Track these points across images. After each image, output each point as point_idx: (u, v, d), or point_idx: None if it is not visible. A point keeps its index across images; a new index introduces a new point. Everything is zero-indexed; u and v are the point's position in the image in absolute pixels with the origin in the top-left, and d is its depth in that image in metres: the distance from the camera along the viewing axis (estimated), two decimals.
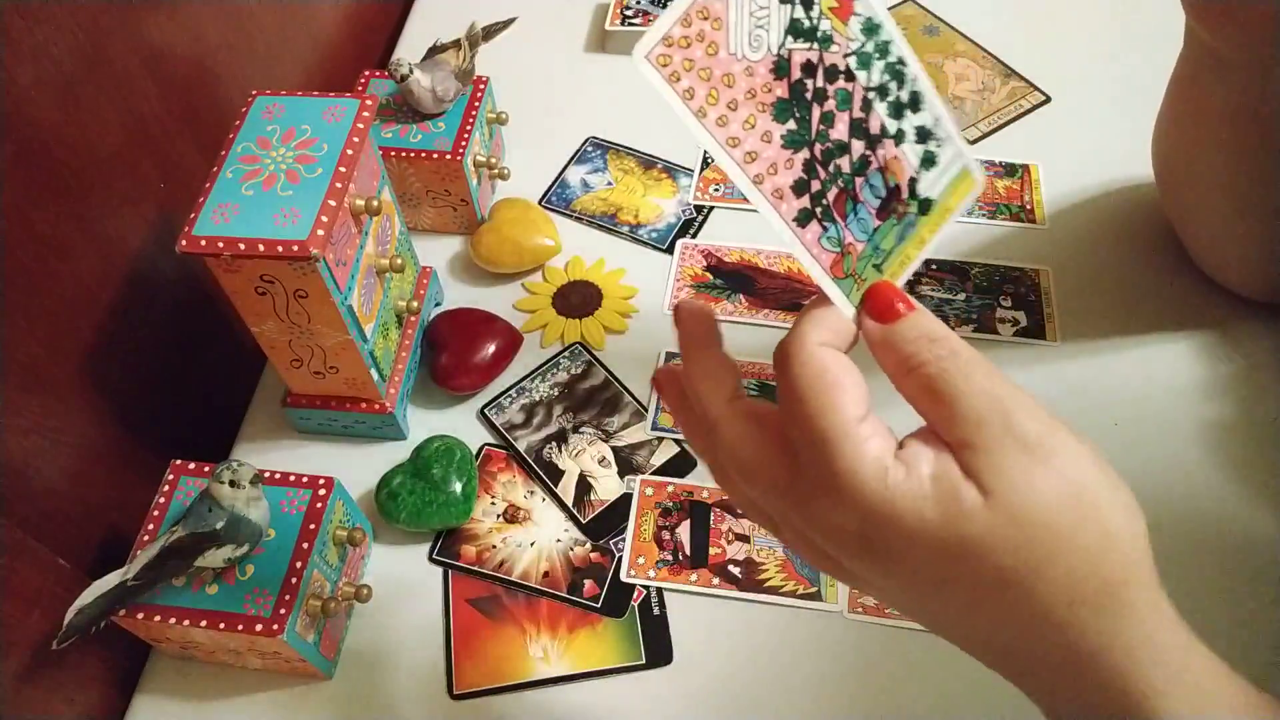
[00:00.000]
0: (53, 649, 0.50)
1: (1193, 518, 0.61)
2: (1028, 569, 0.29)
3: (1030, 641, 0.30)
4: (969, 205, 0.37)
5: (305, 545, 0.55)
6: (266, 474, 0.57)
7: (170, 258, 0.53)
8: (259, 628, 0.52)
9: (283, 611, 0.52)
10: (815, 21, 0.31)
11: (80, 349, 0.57)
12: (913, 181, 0.34)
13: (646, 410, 0.68)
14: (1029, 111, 0.85)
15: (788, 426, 0.32)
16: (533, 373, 0.70)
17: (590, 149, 0.84)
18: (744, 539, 0.62)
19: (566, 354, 0.71)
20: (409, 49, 0.92)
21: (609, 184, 0.82)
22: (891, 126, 0.34)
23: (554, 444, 0.67)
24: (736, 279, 0.75)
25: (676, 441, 0.67)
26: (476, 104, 0.76)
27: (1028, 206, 0.78)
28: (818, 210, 0.32)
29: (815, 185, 0.32)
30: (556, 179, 0.82)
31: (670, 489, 0.64)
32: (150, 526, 0.56)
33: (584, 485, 0.65)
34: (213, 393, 0.72)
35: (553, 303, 0.74)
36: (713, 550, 0.61)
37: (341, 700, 0.58)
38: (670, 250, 0.77)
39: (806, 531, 0.33)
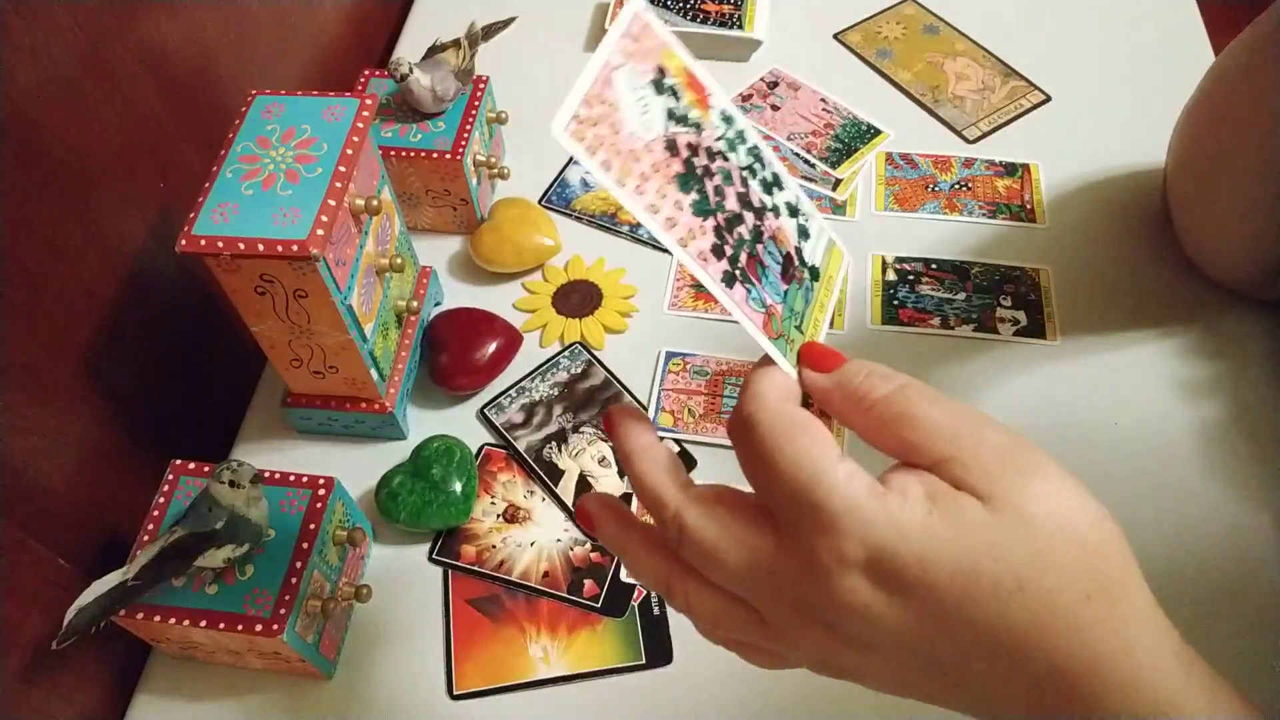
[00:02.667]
0: (53, 649, 0.50)
1: (1193, 517, 0.62)
2: (1045, 568, 0.29)
3: (1047, 653, 0.29)
4: (844, 274, 0.40)
5: (305, 545, 0.55)
6: (266, 474, 0.57)
7: (170, 258, 0.53)
8: (259, 628, 0.52)
9: (283, 611, 0.52)
10: (686, 111, 0.33)
11: (80, 349, 0.57)
12: (799, 250, 0.37)
13: (647, 410, 0.68)
14: (1029, 111, 0.85)
15: (762, 488, 0.32)
16: (533, 373, 0.70)
17: None
18: None
19: (566, 354, 0.71)
20: (409, 49, 0.92)
21: None
22: (769, 201, 0.36)
23: (554, 444, 0.67)
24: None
25: (676, 441, 0.67)
26: (476, 104, 0.76)
27: (1028, 206, 0.78)
28: (736, 272, 0.34)
29: (728, 250, 0.34)
30: (556, 179, 0.82)
31: None
32: (150, 526, 0.56)
33: (584, 485, 0.65)
34: (213, 393, 0.72)
35: (553, 302, 0.74)
36: None
37: (341, 700, 0.58)
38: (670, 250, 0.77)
39: (800, 601, 0.31)
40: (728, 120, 0.35)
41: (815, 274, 0.38)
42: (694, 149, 0.33)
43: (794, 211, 0.37)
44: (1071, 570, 0.29)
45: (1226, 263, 0.70)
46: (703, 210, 0.33)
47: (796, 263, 0.37)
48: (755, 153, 0.36)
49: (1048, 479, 0.30)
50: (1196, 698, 0.29)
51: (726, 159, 0.34)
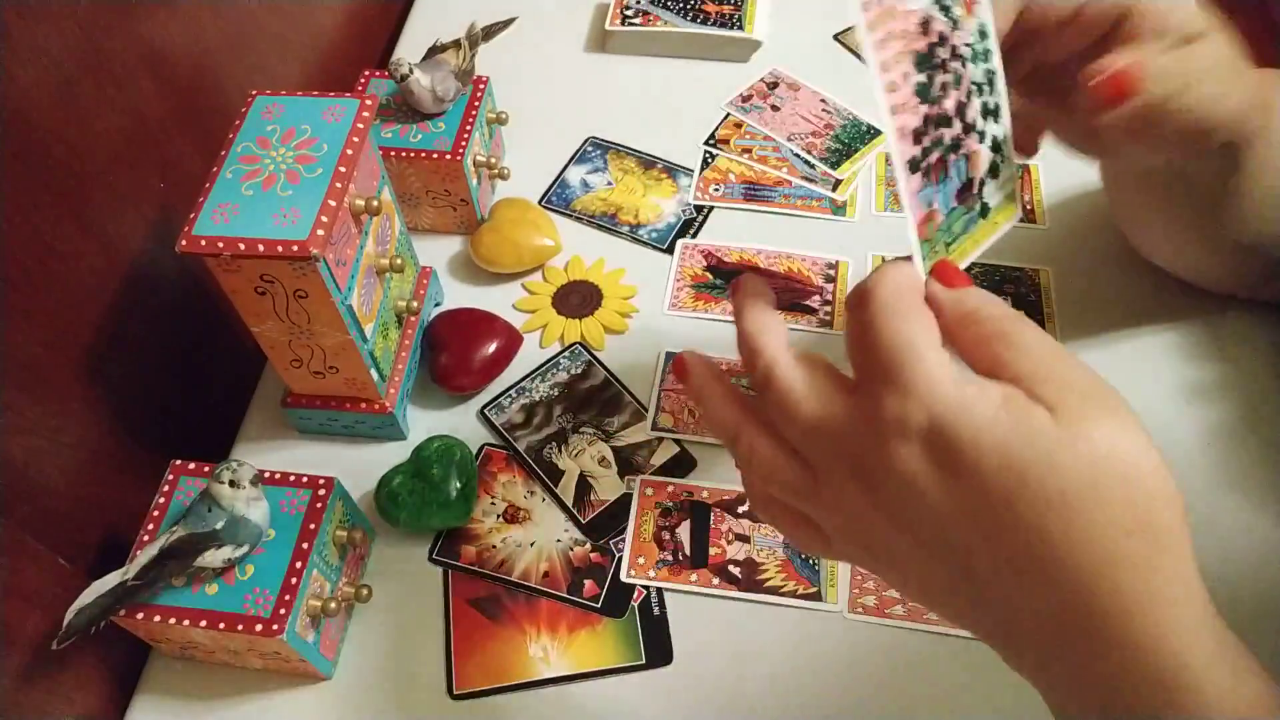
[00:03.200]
0: (53, 649, 0.50)
1: (1197, 520, 0.61)
2: (1093, 490, 0.29)
3: (1074, 578, 0.29)
4: (1007, 230, 0.40)
5: (305, 545, 0.55)
6: (266, 474, 0.57)
7: (170, 258, 0.53)
8: (259, 628, 0.52)
9: (283, 611, 0.52)
10: (950, 3, 0.34)
11: (80, 349, 0.57)
12: (981, 183, 0.38)
13: (646, 410, 0.68)
14: None
15: (858, 354, 0.33)
16: (533, 373, 0.70)
17: (590, 149, 0.84)
18: (744, 539, 0.62)
19: (566, 354, 0.71)
20: (409, 49, 0.92)
21: (609, 184, 0.82)
22: (980, 125, 0.37)
23: (554, 444, 0.67)
24: (737, 279, 0.74)
25: (676, 441, 0.67)
26: (476, 104, 0.76)
27: (1028, 206, 0.78)
28: (923, 165, 0.35)
29: (926, 141, 0.34)
30: (556, 179, 0.82)
31: (670, 489, 0.64)
32: (150, 526, 0.56)
33: (584, 485, 0.65)
34: (213, 393, 0.72)
35: (553, 303, 0.74)
36: (713, 550, 0.61)
37: (341, 700, 0.58)
38: (670, 250, 0.77)
39: (856, 460, 0.32)
40: (983, 34, 0.36)
41: (985, 211, 0.38)
42: (943, 39, 0.34)
43: (996, 147, 0.38)
44: (1119, 504, 0.30)
45: (1195, 279, 0.70)
46: (923, 94, 0.34)
47: (975, 190, 0.37)
48: (990, 76, 0.37)
49: (1122, 418, 0.31)
50: (1220, 669, 0.29)
51: (964, 66, 0.35)
